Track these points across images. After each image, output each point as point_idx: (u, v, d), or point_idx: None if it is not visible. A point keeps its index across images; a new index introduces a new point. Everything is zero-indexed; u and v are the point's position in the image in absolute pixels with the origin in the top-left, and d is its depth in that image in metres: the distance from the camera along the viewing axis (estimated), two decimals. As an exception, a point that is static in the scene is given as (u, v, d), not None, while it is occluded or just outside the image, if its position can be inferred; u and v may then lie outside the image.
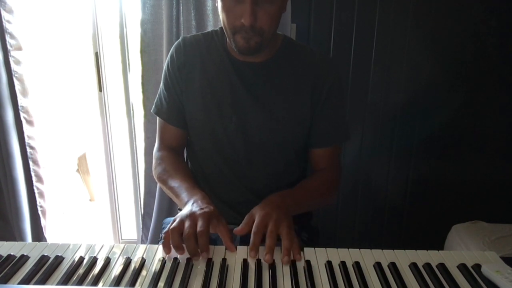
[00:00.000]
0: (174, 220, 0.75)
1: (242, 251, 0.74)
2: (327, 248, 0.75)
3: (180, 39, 1.01)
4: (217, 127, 0.97)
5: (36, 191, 1.95)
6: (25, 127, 1.84)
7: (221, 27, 0.99)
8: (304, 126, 0.98)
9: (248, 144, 0.97)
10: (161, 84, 1.03)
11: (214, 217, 0.76)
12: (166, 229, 0.74)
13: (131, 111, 1.94)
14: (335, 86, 0.98)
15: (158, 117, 1.05)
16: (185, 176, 0.93)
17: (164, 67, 1.02)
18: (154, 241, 1.93)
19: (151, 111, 1.06)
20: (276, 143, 0.98)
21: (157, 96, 1.05)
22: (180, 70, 0.98)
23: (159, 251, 0.74)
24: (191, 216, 0.74)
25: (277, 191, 1.01)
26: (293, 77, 0.96)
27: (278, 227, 0.75)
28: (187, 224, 0.72)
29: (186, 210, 0.78)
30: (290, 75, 0.96)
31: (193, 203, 0.79)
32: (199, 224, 0.72)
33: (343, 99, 1.03)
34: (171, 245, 0.72)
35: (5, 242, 0.77)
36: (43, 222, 2.01)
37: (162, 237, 0.75)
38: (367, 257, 0.73)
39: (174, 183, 0.92)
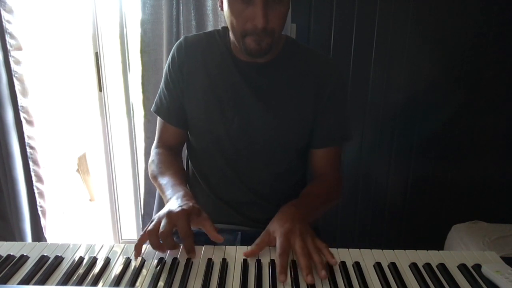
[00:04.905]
0: (152, 221, 0.74)
1: (242, 251, 0.74)
2: (327, 248, 0.75)
3: (181, 39, 1.01)
4: (219, 127, 0.97)
5: (36, 191, 1.94)
6: (25, 127, 1.84)
7: (223, 27, 0.99)
8: (306, 126, 0.98)
9: (251, 145, 0.97)
10: (162, 83, 1.03)
11: (193, 213, 0.75)
12: (143, 231, 0.73)
13: (131, 111, 1.94)
14: (338, 87, 0.98)
15: (157, 116, 1.05)
16: (174, 174, 0.93)
17: (165, 66, 1.02)
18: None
19: (151, 109, 1.06)
20: (279, 144, 0.97)
21: (158, 94, 1.05)
22: (181, 69, 0.98)
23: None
24: (168, 215, 0.73)
25: (279, 191, 1.02)
26: (296, 78, 0.96)
27: (305, 242, 0.72)
28: (163, 223, 0.71)
29: (164, 209, 0.77)
30: (293, 75, 0.96)
31: (172, 201, 0.79)
32: (179, 226, 0.71)
33: (346, 100, 1.03)
34: (143, 247, 0.73)
35: (5, 242, 0.77)
36: (43, 222, 2.01)
37: (138, 238, 0.73)
38: (367, 257, 0.73)
39: (163, 180, 0.91)
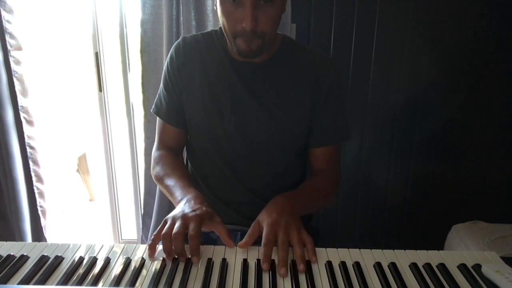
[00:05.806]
0: (165, 221, 0.74)
1: (242, 251, 0.74)
2: (327, 248, 0.75)
3: (179, 39, 1.01)
4: (217, 127, 0.97)
5: (36, 191, 1.94)
6: (25, 127, 1.84)
7: (221, 28, 0.99)
8: (304, 126, 0.98)
9: (248, 145, 0.97)
10: (161, 84, 1.04)
11: (207, 217, 0.76)
12: (156, 230, 0.73)
13: (131, 111, 1.94)
14: (335, 86, 0.97)
15: (157, 117, 1.05)
16: (181, 175, 0.93)
17: (164, 67, 1.02)
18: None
19: (151, 110, 1.06)
20: (276, 143, 0.97)
21: (157, 95, 1.05)
22: (180, 70, 0.98)
23: (159, 252, 0.74)
24: (183, 217, 0.74)
25: (278, 191, 1.01)
26: (293, 77, 0.96)
27: (288, 235, 0.74)
28: (177, 224, 0.72)
29: (177, 210, 0.78)
30: (290, 75, 0.96)
31: (185, 203, 0.79)
32: (191, 227, 0.72)
33: (344, 99, 1.03)
34: (157, 248, 0.73)
35: (5, 242, 0.77)
36: (43, 222, 2.01)
37: (152, 238, 0.74)
38: (367, 257, 0.73)
39: (170, 181, 0.92)
